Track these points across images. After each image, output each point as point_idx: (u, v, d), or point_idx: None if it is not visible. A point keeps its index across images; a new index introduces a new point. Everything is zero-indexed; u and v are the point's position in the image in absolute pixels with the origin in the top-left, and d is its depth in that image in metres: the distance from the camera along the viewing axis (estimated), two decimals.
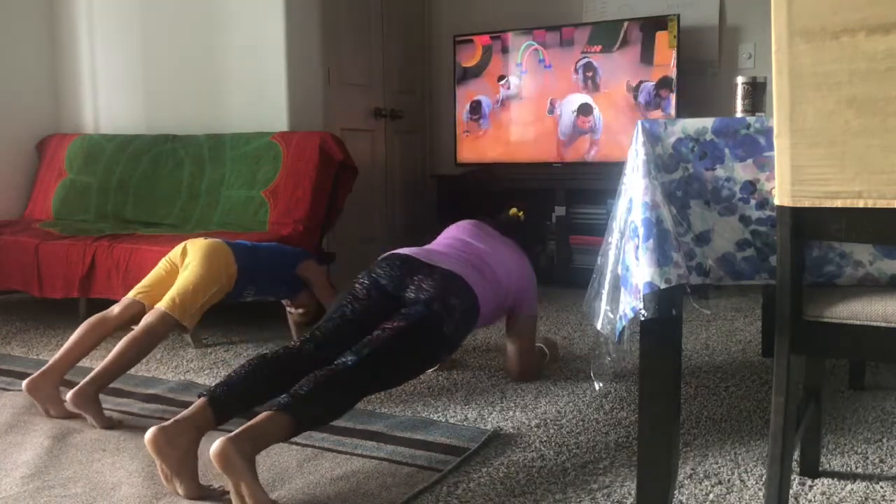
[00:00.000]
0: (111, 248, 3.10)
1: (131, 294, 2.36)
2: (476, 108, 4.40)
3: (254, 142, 3.65)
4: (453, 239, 2.36)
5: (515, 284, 2.33)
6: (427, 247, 2.30)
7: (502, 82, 4.31)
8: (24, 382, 2.15)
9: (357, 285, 2.07)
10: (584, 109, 4.13)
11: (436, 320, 1.93)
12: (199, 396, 1.71)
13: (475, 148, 4.42)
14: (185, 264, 2.43)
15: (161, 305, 2.26)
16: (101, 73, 4.28)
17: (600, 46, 4.07)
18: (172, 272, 2.44)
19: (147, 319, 2.22)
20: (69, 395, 2.06)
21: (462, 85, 4.43)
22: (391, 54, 4.54)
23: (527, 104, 4.29)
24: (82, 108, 4.34)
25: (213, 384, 1.75)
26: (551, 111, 4.22)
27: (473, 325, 2.09)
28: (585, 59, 4.10)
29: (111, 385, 2.16)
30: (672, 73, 3.92)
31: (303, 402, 1.62)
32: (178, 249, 2.48)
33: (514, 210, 2.64)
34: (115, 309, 2.31)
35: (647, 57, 3.97)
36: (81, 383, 2.07)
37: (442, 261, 2.13)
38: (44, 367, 2.17)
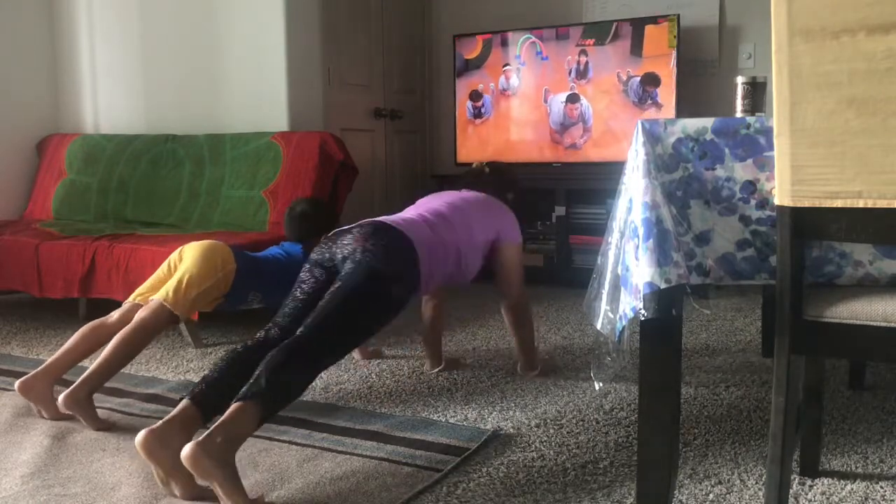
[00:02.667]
0: (111, 248, 3.10)
1: (130, 298, 2.36)
2: (477, 96, 4.40)
3: (254, 142, 3.65)
4: (414, 206, 2.38)
5: (486, 223, 2.35)
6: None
7: (505, 70, 4.32)
8: (17, 383, 2.14)
9: (301, 273, 2.09)
10: (572, 98, 4.15)
11: (364, 266, 1.94)
12: (181, 399, 1.72)
13: (477, 136, 4.42)
14: (181, 265, 2.43)
15: (154, 297, 2.26)
16: (101, 73, 4.28)
17: (593, 40, 4.09)
18: (171, 275, 2.43)
19: (140, 314, 2.21)
20: (61, 397, 2.05)
21: (463, 76, 4.43)
22: (391, 54, 4.54)
23: (525, 94, 4.30)
24: (82, 108, 4.34)
25: (194, 385, 1.76)
26: (546, 101, 4.23)
27: (415, 260, 2.04)
28: (580, 49, 4.11)
29: (111, 385, 2.16)
30: (664, 65, 3.93)
31: (264, 387, 1.63)
32: (176, 253, 2.47)
33: (476, 163, 2.69)
34: (115, 315, 2.29)
35: (636, 49, 3.98)
36: (73, 386, 2.06)
37: (365, 220, 2.14)
38: (38, 369, 2.17)
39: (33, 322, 3.37)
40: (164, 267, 2.45)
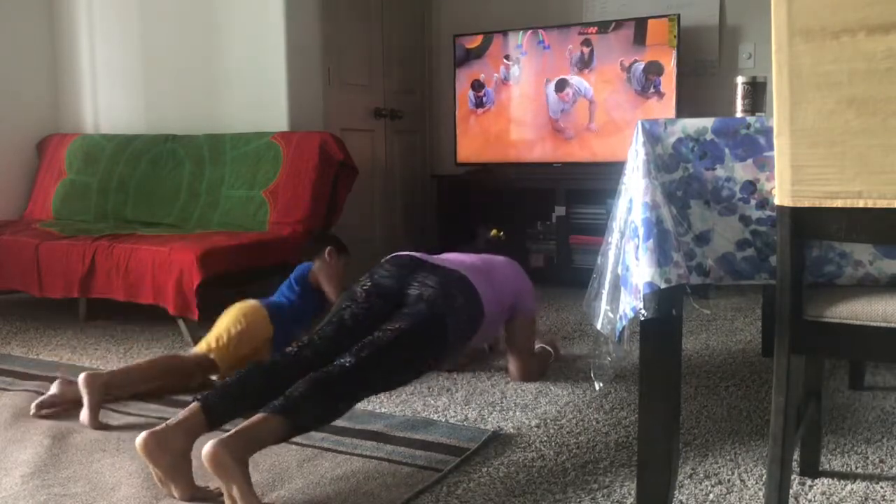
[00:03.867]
0: (111, 248, 3.10)
1: (201, 349, 2.42)
2: (479, 86, 4.40)
3: (254, 142, 3.65)
4: (450, 255, 2.38)
5: (511, 285, 2.35)
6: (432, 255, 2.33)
7: (506, 60, 4.31)
8: (84, 375, 2.14)
9: (357, 288, 2.04)
10: (560, 85, 4.16)
11: (437, 320, 1.92)
12: (194, 400, 1.70)
13: (479, 128, 4.41)
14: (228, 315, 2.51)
15: (198, 349, 2.36)
16: (101, 73, 4.28)
17: (596, 28, 4.09)
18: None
19: (182, 356, 2.35)
20: (83, 374, 2.09)
21: (464, 66, 4.42)
22: (391, 54, 4.54)
23: (527, 84, 4.29)
24: (82, 108, 4.35)
25: (208, 390, 1.75)
26: (546, 91, 4.24)
27: (477, 327, 2.08)
28: (582, 38, 4.12)
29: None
30: (666, 61, 3.93)
31: (297, 405, 1.61)
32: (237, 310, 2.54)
33: (494, 231, 2.73)
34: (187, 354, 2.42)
35: (639, 38, 3.98)
36: (101, 371, 2.12)
37: (445, 262, 2.14)
38: (110, 370, 2.25)
39: (33, 322, 3.37)
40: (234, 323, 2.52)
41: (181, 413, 1.67)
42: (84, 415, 2.07)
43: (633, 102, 4.02)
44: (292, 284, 2.72)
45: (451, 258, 2.25)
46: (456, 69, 4.45)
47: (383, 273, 2.07)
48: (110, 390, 2.15)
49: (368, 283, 2.05)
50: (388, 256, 2.18)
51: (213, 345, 2.36)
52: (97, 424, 2.06)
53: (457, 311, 1.96)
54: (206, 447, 1.51)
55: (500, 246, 2.65)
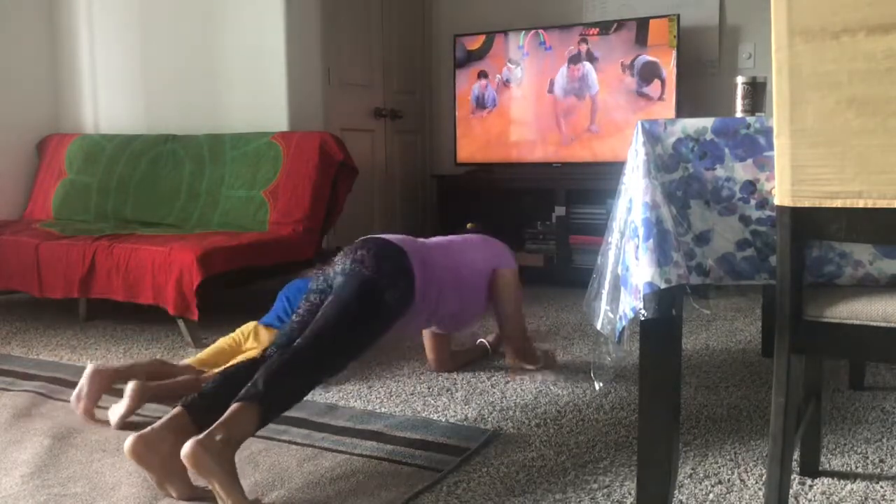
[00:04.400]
0: (111, 248, 3.10)
1: (192, 362, 2.41)
2: (480, 87, 4.39)
3: (254, 142, 3.65)
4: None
5: (483, 252, 2.46)
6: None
7: (507, 63, 4.31)
8: (92, 368, 2.17)
9: (299, 305, 2.11)
10: (574, 59, 4.16)
11: (355, 275, 1.98)
12: (174, 405, 1.72)
13: (481, 128, 4.40)
14: (247, 347, 2.50)
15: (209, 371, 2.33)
16: (101, 73, 4.28)
17: (597, 29, 4.09)
18: (235, 350, 2.50)
19: (196, 376, 2.30)
20: (134, 384, 2.10)
21: (466, 67, 4.42)
22: (391, 54, 4.54)
23: (529, 84, 4.29)
24: (82, 108, 4.35)
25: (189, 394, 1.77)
26: (550, 90, 4.23)
27: (406, 265, 2.07)
28: (583, 39, 4.12)
29: (113, 387, 2.18)
30: (665, 53, 3.93)
31: (262, 389, 1.64)
32: (247, 328, 2.56)
33: (470, 225, 2.84)
34: (180, 365, 2.39)
35: (641, 38, 3.98)
36: (143, 383, 2.13)
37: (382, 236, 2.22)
38: (111, 366, 2.23)
39: (33, 322, 3.37)
40: (229, 339, 2.53)
41: (166, 416, 1.68)
42: (119, 414, 2.08)
43: (634, 103, 4.02)
44: (288, 309, 2.65)
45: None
46: (456, 70, 4.45)
47: (316, 277, 2.16)
48: (149, 400, 2.16)
49: (305, 296, 2.13)
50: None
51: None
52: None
53: (364, 259, 2.02)
54: (184, 448, 1.53)
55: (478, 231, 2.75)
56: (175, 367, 2.35)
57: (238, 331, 2.58)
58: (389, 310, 1.99)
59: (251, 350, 2.47)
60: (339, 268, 2.06)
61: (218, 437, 1.55)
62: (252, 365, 1.84)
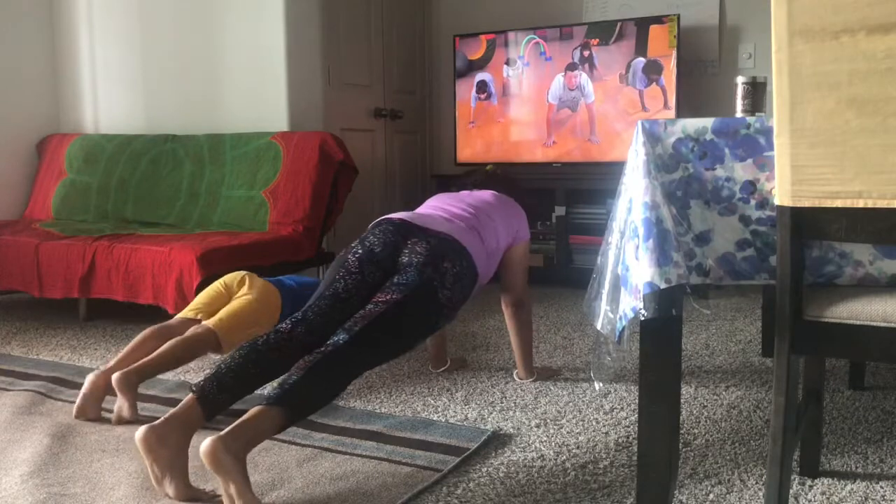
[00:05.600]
0: (111, 248, 3.10)
1: (188, 313, 2.39)
2: (483, 87, 4.38)
3: (254, 142, 3.65)
4: (439, 204, 2.33)
5: (506, 227, 2.31)
6: (418, 211, 2.26)
7: (506, 73, 4.31)
8: (92, 376, 2.17)
9: (350, 257, 1.98)
10: (571, 66, 4.15)
11: (429, 287, 1.88)
12: (190, 391, 1.67)
13: (479, 135, 4.41)
14: (240, 294, 2.46)
15: (208, 322, 2.29)
16: (101, 73, 4.28)
17: (597, 40, 4.09)
18: (224, 296, 2.47)
19: (194, 330, 2.26)
20: (116, 375, 2.08)
21: (468, 77, 4.42)
22: (391, 54, 4.54)
23: (528, 94, 4.29)
24: (82, 108, 4.35)
25: (202, 379, 1.70)
26: (549, 99, 4.24)
27: (472, 288, 2.04)
28: (584, 43, 4.12)
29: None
30: (666, 62, 3.93)
31: (293, 393, 1.60)
32: (235, 276, 2.51)
33: (490, 166, 2.66)
34: (174, 322, 2.36)
35: (640, 49, 3.98)
36: (128, 369, 2.10)
37: (435, 223, 2.08)
38: (108, 366, 2.21)
39: (33, 322, 3.37)
40: (219, 285, 2.50)
41: (178, 406, 1.65)
42: (124, 410, 2.08)
43: (634, 112, 4.02)
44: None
45: (440, 217, 2.17)
46: (457, 79, 4.44)
47: (373, 240, 2.00)
48: (143, 380, 2.15)
49: (360, 251, 1.98)
50: (378, 220, 2.12)
51: (220, 325, 2.29)
52: (135, 416, 2.08)
53: (449, 277, 1.92)
54: (204, 444, 1.49)
55: (497, 182, 2.60)
56: (172, 328, 2.31)
57: (223, 279, 2.52)
58: (441, 325, 1.95)
59: (244, 296, 2.42)
60: (416, 259, 1.91)
61: (240, 439, 1.52)
62: (279, 345, 1.75)
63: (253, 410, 1.58)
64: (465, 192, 2.44)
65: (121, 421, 2.08)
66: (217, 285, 2.51)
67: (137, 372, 2.11)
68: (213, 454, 1.49)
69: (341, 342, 1.72)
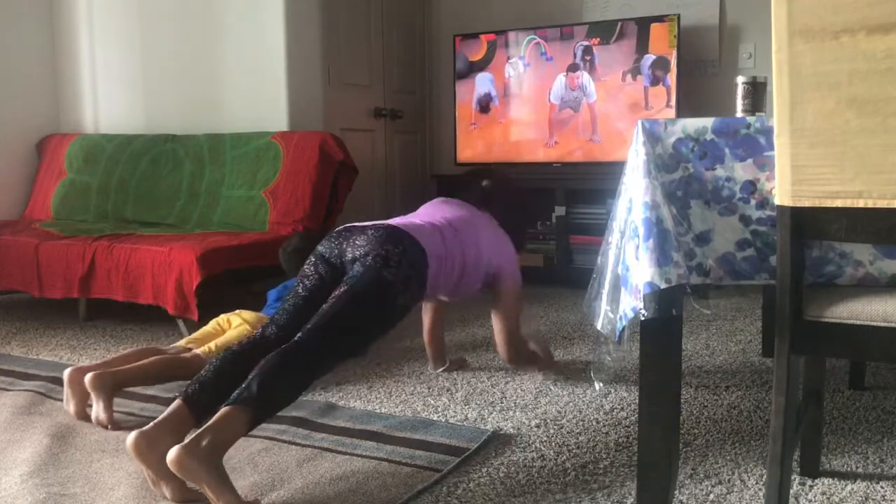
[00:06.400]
0: (111, 248, 3.10)
1: (181, 343, 2.42)
2: (481, 93, 4.38)
3: (254, 142, 3.65)
4: (414, 212, 2.34)
5: (489, 250, 2.29)
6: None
7: (507, 73, 4.31)
8: (69, 371, 2.17)
9: (305, 266, 2.06)
10: (573, 67, 4.15)
11: (373, 272, 1.90)
12: (174, 398, 1.71)
13: (480, 136, 4.41)
14: (234, 326, 2.50)
15: (198, 350, 2.32)
16: (101, 73, 4.28)
17: (598, 39, 4.09)
18: (219, 332, 2.50)
19: (182, 353, 2.30)
20: (89, 374, 2.08)
21: (468, 78, 4.42)
22: (391, 54, 4.54)
23: (529, 94, 4.29)
24: (82, 108, 4.35)
25: (187, 384, 1.75)
26: (551, 100, 4.24)
27: (423, 265, 2.01)
28: (584, 44, 4.12)
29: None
30: (664, 54, 3.93)
31: (256, 392, 1.61)
32: (228, 316, 2.55)
33: (486, 183, 2.62)
34: (168, 348, 2.39)
35: (641, 48, 3.98)
36: (103, 370, 2.11)
37: (380, 222, 2.11)
38: (86, 364, 2.22)
39: (33, 322, 3.37)
40: (213, 324, 2.53)
41: (166, 411, 1.68)
42: (99, 414, 2.07)
43: (638, 112, 4.01)
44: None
45: (392, 218, 2.20)
46: (457, 80, 4.44)
47: (324, 243, 2.08)
48: (118, 387, 2.14)
49: (313, 258, 2.06)
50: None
51: (209, 351, 2.32)
52: (111, 420, 2.07)
53: (393, 257, 1.93)
54: (169, 453, 1.51)
55: (494, 197, 2.57)
56: (163, 352, 2.33)
57: (217, 319, 2.55)
58: (397, 311, 1.94)
59: (239, 327, 2.46)
60: (358, 252, 1.96)
61: (204, 442, 1.53)
62: (254, 347, 1.81)
63: (219, 412, 1.59)
64: (455, 203, 2.40)
65: (98, 423, 2.07)
66: (212, 324, 2.54)
67: (113, 375, 2.11)
68: (178, 461, 1.50)
69: (297, 339, 1.76)
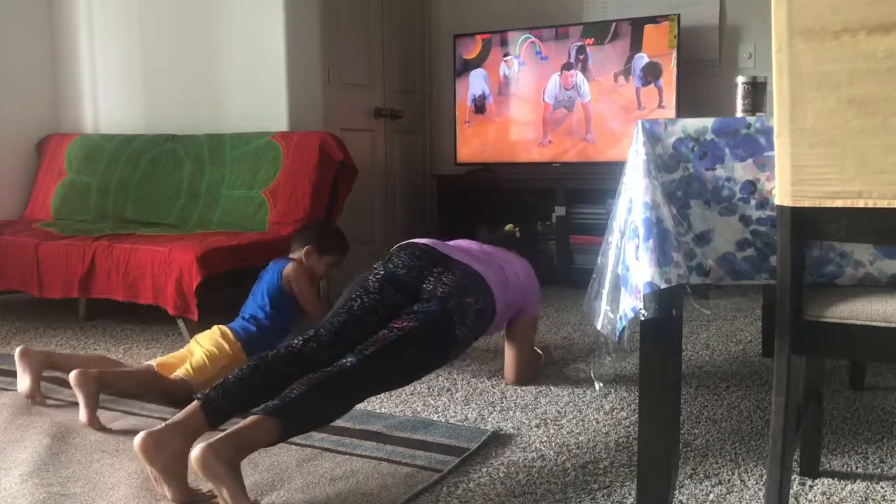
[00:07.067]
0: (111, 248, 3.10)
1: (150, 362, 2.39)
2: (478, 92, 4.38)
3: (254, 142, 3.65)
4: (465, 244, 2.34)
5: (522, 285, 2.32)
6: (446, 242, 2.25)
7: (502, 71, 4.31)
8: (20, 348, 2.26)
9: (371, 277, 1.97)
10: (567, 66, 4.15)
11: (447, 321, 1.87)
12: (195, 399, 1.68)
13: (477, 135, 4.41)
14: (195, 353, 2.43)
15: (179, 373, 2.28)
16: (100, 73, 4.28)
17: (592, 39, 4.09)
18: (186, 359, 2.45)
19: (166, 377, 2.27)
20: (74, 371, 2.09)
21: (463, 77, 4.42)
22: (391, 54, 4.54)
23: (524, 93, 4.29)
24: (82, 108, 4.34)
25: (209, 388, 1.71)
26: (545, 99, 4.24)
27: (487, 328, 2.05)
28: (578, 44, 4.12)
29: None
30: (665, 62, 3.92)
31: (292, 408, 1.58)
32: (189, 344, 2.47)
33: (509, 227, 2.69)
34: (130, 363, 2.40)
35: (635, 49, 3.98)
36: (90, 369, 2.11)
37: (462, 256, 2.09)
38: (46, 349, 2.25)
39: (33, 322, 3.37)
40: (183, 351, 2.47)
41: (182, 412, 1.65)
42: (83, 414, 2.07)
43: (631, 112, 4.02)
44: (265, 302, 2.57)
45: (466, 249, 2.19)
46: (456, 78, 4.44)
47: (398, 262, 2.00)
48: (103, 387, 2.13)
49: (382, 273, 1.97)
50: (403, 243, 2.11)
51: (193, 373, 2.28)
52: (93, 418, 2.06)
53: (470, 313, 1.92)
54: (194, 450, 1.49)
55: (515, 243, 2.64)
56: (120, 364, 2.35)
57: (188, 345, 2.47)
58: (458, 347, 1.93)
59: (200, 349, 2.38)
60: (440, 290, 1.90)
61: (233, 448, 1.51)
62: (287, 359, 1.75)
63: (249, 419, 1.57)
64: (488, 247, 2.41)
65: (84, 424, 2.07)
66: (180, 352, 2.45)
67: (98, 375, 2.11)
68: (203, 461, 1.48)
69: (349, 364, 1.70)
